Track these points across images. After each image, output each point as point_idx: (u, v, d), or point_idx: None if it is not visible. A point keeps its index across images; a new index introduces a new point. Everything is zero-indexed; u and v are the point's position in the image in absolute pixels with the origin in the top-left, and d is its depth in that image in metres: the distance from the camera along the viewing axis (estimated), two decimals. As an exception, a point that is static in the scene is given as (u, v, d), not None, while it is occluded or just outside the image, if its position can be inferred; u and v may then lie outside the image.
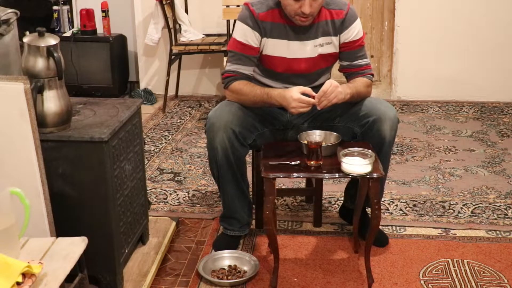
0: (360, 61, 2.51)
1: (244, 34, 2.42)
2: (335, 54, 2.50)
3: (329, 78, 2.66)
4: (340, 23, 2.43)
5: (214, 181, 2.59)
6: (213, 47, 4.48)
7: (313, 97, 2.28)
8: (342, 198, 2.85)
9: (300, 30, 2.42)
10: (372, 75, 2.54)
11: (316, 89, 2.52)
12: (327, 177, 2.31)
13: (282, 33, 2.42)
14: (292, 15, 2.35)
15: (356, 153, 2.17)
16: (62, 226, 1.99)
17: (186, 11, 4.83)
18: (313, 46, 2.44)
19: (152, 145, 3.87)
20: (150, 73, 5.09)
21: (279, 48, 2.44)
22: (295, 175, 2.19)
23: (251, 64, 2.46)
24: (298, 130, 2.47)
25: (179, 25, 4.66)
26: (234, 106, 2.42)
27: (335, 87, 2.28)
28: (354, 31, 2.45)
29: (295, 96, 2.27)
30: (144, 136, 3.72)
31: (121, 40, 4.95)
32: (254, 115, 2.45)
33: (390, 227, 2.76)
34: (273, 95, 2.35)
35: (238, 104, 2.43)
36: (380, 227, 2.47)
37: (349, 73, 2.54)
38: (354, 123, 2.45)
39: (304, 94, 2.30)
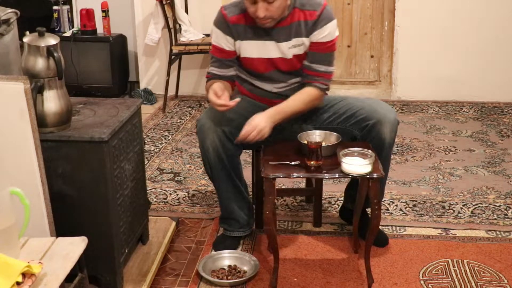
0: (319, 66, 2.41)
1: (217, 37, 2.47)
2: None
3: None
4: (313, 24, 2.38)
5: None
6: (213, 47, 4.47)
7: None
8: (342, 198, 2.85)
9: (274, 32, 2.40)
10: (326, 86, 2.43)
11: (302, 85, 2.49)
12: (327, 177, 2.31)
13: (257, 34, 2.42)
14: (253, 17, 2.35)
15: (356, 153, 2.17)
16: (62, 226, 1.99)
17: (186, 11, 4.83)
18: (287, 48, 2.42)
19: (152, 145, 3.87)
20: (150, 73, 5.09)
21: (256, 49, 2.44)
22: (295, 175, 2.19)
23: (225, 66, 2.49)
24: (296, 131, 2.46)
25: (179, 25, 4.66)
26: None
27: (253, 128, 2.28)
28: (324, 33, 2.37)
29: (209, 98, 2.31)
30: (144, 136, 3.72)
31: (121, 40, 4.95)
32: (245, 114, 2.42)
33: (390, 227, 2.76)
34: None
35: None
36: (380, 227, 2.46)
37: (304, 75, 2.46)
38: (354, 126, 2.44)
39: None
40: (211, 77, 2.51)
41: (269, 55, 2.44)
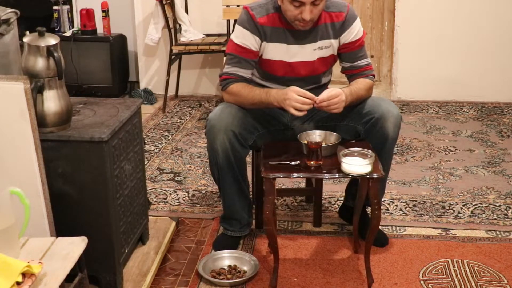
0: (361, 61, 2.51)
1: (244, 37, 2.42)
2: (334, 57, 2.51)
3: (330, 79, 2.66)
4: (340, 26, 2.43)
5: (214, 182, 2.59)
6: (213, 47, 4.48)
7: (314, 101, 2.27)
8: (342, 198, 2.85)
9: (299, 34, 2.41)
10: (374, 75, 2.54)
11: (318, 89, 2.52)
12: (327, 177, 2.31)
13: (282, 37, 2.42)
14: (292, 20, 2.35)
15: (356, 153, 2.17)
16: (62, 226, 1.99)
17: (186, 11, 4.83)
18: (312, 50, 2.44)
19: (152, 145, 3.87)
20: (150, 73, 5.09)
21: (279, 52, 2.43)
22: (295, 175, 2.19)
23: (250, 67, 2.46)
24: (298, 130, 2.47)
25: (179, 25, 4.66)
26: (234, 107, 2.41)
27: (341, 101, 2.28)
28: (354, 31, 2.46)
29: (289, 94, 2.26)
30: (144, 136, 3.72)
31: (121, 40, 4.95)
32: (254, 116, 2.44)
33: (390, 227, 2.76)
34: (271, 93, 2.34)
35: (237, 105, 2.43)
36: (380, 227, 2.47)
37: (351, 75, 2.54)
38: (357, 122, 2.45)
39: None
40: (235, 79, 2.43)
41: (290, 59, 2.44)
